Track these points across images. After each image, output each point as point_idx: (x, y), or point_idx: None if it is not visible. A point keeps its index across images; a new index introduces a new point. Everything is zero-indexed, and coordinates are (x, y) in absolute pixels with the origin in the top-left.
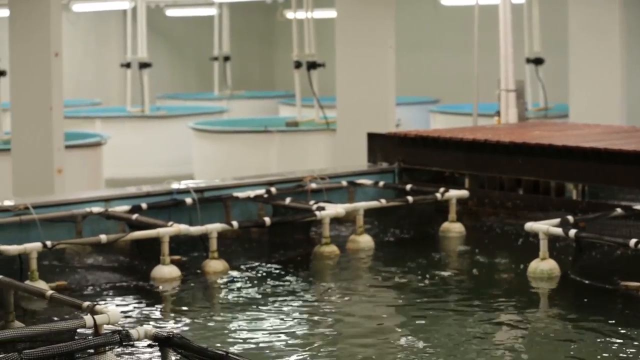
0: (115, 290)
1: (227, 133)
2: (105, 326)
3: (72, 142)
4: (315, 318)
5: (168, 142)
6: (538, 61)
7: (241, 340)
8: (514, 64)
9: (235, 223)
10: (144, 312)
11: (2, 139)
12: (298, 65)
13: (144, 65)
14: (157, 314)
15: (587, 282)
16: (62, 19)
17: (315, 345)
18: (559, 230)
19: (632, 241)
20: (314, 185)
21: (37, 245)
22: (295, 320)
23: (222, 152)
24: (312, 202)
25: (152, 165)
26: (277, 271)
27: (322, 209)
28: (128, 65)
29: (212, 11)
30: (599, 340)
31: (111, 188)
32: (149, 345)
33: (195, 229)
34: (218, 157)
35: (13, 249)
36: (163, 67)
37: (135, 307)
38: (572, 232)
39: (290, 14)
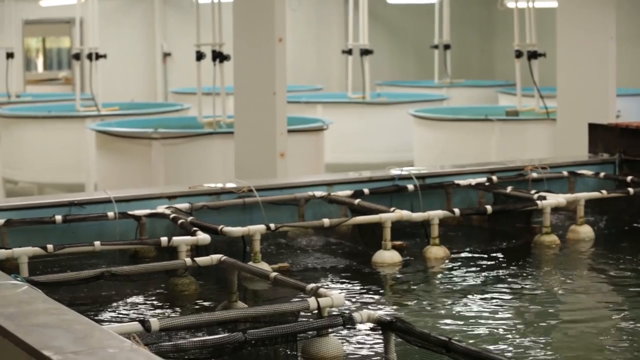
0: (336, 273)
1: (448, 121)
2: (327, 309)
3: (294, 126)
4: (535, 307)
5: (388, 129)
6: None
7: (461, 327)
8: None
9: (456, 210)
10: (364, 296)
11: (226, 122)
12: (519, 54)
13: (365, 52)
14: (378, 298)
15: None
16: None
17: (535, 335)
18: None
19: None
20: (534, 175)
21: (261, 227)
22: (515, 309)
23: (441, 139)
24: (533, 192)
25: (371, 151)
26: (498, 259)
27: (544, 198)
28: (349, 51)
29: None
30: None
31: (333, 173)
32: (371, 329)
33: (417, 215)
34: (437, 145)
35: (237, 230)
36: (383, 54)
37: (355, 291)
38: None
39: (511, 3)
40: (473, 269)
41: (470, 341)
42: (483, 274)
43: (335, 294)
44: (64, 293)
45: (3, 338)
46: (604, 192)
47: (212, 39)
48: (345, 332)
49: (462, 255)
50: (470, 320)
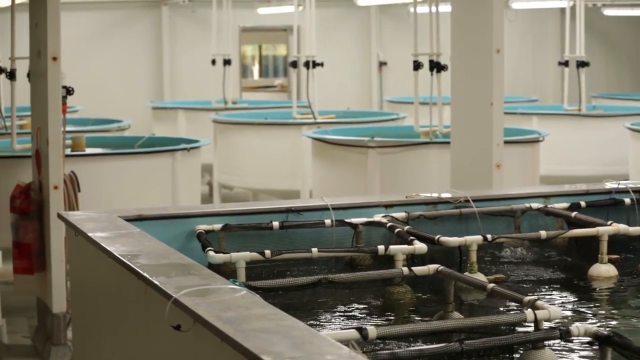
0: (550, 285)
1: None
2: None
3: (510, 138)
4: None
5: (603, 142)
6: None
7: None
8: None
9: None
10: (578, 309)
11: (442, 132)
12: None
13: (581, 64)
14: (592, 312)
15: None
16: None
17: None
18: None
19: None
20: None
21: (478, 238)
22: None
23: None
24: None
25: (586, 163)
26: None
27: None
28: (565, 63)
29: None
30: None
31: (548, 185)
32: (588, 343)
33: (634, 229)
34: None
35: (454, 240)
36: (599, 67)
37: (570, 304)
38: None
39: None
40: None
41: None
42: None
43: (553, 307)
44: (277, 298)
45: (222, 342)
46: None
47: (430, 49)
48: (558, 344)
49: None
50: None
